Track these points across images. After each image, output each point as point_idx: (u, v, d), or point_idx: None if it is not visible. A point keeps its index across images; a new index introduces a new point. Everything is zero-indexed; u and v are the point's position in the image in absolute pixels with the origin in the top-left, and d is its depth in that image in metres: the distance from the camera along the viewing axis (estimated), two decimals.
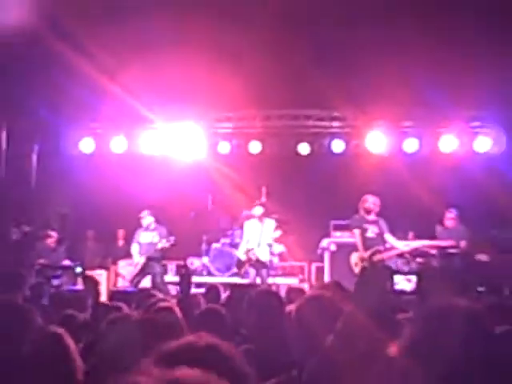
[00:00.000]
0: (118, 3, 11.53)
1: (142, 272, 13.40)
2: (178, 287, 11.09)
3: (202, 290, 9.44)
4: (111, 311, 5.30)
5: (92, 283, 9.73)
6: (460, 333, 1.71)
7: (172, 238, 13.42)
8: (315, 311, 2.85)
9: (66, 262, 13.43)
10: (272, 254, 13.48)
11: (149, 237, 13.53)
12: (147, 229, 13.58)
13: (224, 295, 8.63)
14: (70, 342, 3.68)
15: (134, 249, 13.65)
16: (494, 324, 2.60)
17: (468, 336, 1.75)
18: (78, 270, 13.07)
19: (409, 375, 1.68)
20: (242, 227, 13.69)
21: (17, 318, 3.93)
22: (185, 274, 10.44)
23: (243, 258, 13.35)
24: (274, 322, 3.75)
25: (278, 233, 13.46)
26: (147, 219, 13.56)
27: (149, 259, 13.37)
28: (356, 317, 2.51)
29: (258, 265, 13.12)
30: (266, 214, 13.38)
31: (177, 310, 4.88)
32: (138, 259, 13.49)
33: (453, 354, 1.65)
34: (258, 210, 13.41)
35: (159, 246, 13.38)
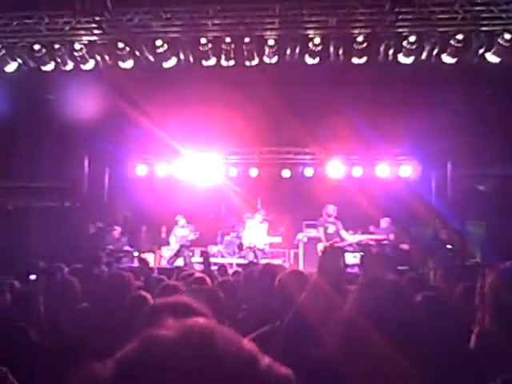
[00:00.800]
0: (160, 77, 11.61)
1: (177, 255, 13.36)
2: (202, 265, 11.04)
3: (216, 267, 9.38)
4: (158, 282, 5.26)
5: (144, 262, 9.67)
6: (389, 297, 1.69)
7: (197, 233, 13.41)
8: (292, 280, 2.83)
9: (127, 248, 13.38)
10: (264, 243, 13.48)
11: (182, 231, 13.49)
12: (181, 226, 13.56)
13: (231, 270, 8.60)
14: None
15: (172, 239, 13.61)
16: (413, 292, 2.57)
17: (394, 300, 1.72)
18: (136, 253, 13.03)
19: (352, 328, 1.65)
20: (244, 225, 13.68)
21: (123, 284, 3.89)
22: (206, 256, 10.39)
23: (245, 245, 13.34)
24: (264, 288, 3.71)
25: (279, 239, 13.51)
26: (181, 220, 13.55)
27: (181, 246, 13.33)
28: (319, 283, 2.49)
29: (255, 250, 13.12)
30: (264, 220, 13.45)
31: (208, 279, 4.84)
32: (175, 246, 13.45)
33: (384, 312, 1.62)
34: (259, 217, 13.46)
35: (189, 238, 13.35)
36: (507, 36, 10.58)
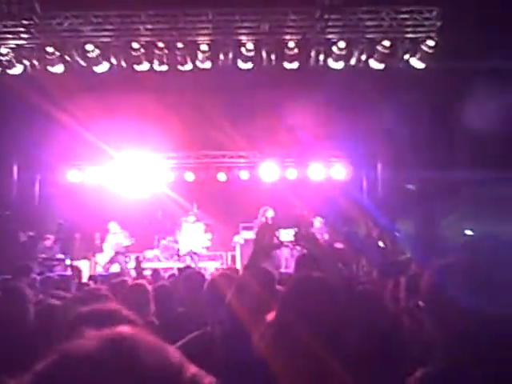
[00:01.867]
0: (92, 81, 11.34)
1: (112, 261, 13.05)
2: (134, 271, 10.84)
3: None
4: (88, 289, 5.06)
5: (76, 270, 9.39)
6: (320, 296, 1.65)
7: (133, 239, 13.17)
8: (221, 283, 2.76)
9: (60, 256, 12.91)
10: (202, 246, 13.39)
11: (116, 238, 13.20)
12: (115, 233, 13.26)
13: (167, 274, 8.45)
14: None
15: (106, 246, 13.28)
16: (347, 289, 2.56)
17: (325, 298, 1.69)
18: (68, 261, 12.61)
19: (282, 329, 1.61)
20: (180, 229, 13.54)
21: (17, 296, 3.70)
22: (137, 262, 10.24)
23: (182, 249, 13.20)
24: (197, 292, 3.63)
25: (209, 235, 13.42)
26: (113, 227, 13.26)
27: (117, 253, 13.04)
28: (246, 280, 2.43)
29: (192, 254, 13.00)
30: (197, 220, 13.32)
31: (147, 285, 4.68)
32: (109, 253, 13.15)
33: (314, 311, 1.59)
34: (192, 218, 13.33)
35: (124, 244, 13.09)
36: (430, 43, 10.98)
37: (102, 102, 11.67)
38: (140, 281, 5.27)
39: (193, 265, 12.04)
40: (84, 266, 12.15)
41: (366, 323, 2.12)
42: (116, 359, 0.72)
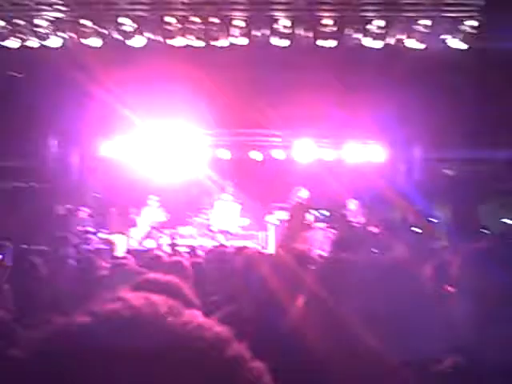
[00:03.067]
0: (127, 55, 11.40)
1: (147, 237, 13.09)
2: (169, 247, 10.89)
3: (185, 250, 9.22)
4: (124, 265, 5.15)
5: (110, 244, 9.54)
6: (342, 274, 1.67)
7: (168, 215, 13.27)
8: (254, 261, 2.73)
9: (92, 230, 13.06)
10: (236, 225, 13.43)
11: (152, 213, 13.27)
12: (152, 207, 13.35)
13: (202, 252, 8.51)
14: None
15: (142, 221, 13.28)
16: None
17: (347, 276, 1.71)
18: (102, 235, 12.74)
19: (313, 308, 1.64)
20: (215, 207, 13.61)
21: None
22: (173, 238, 10.24)
23: (216, 228, 13.32)
24: (228, 270, 3.67)
25: (244, 214, 13.45)
26: (153, 200, 13.29)
27: (152, 228, 13.16)
28: (280, 258, 2.44)
29: (226, 233, 13.14)
30: (232, 199, 13.39)
31: (184, 262, 4.67)
32: (145, 228, 13.22)
33: (338, 289, 1.61)
34: (227, 196, 13.40)
35: (159, 219, 13.19)
36: (472, 23, 10.69)
37: (137, 76, 11.73)
38: (177, 257, 5.30)
39: (227, 243, 12.13)
40: (119, 240, 12.28)
41: (394, 302, 2.14)
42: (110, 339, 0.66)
